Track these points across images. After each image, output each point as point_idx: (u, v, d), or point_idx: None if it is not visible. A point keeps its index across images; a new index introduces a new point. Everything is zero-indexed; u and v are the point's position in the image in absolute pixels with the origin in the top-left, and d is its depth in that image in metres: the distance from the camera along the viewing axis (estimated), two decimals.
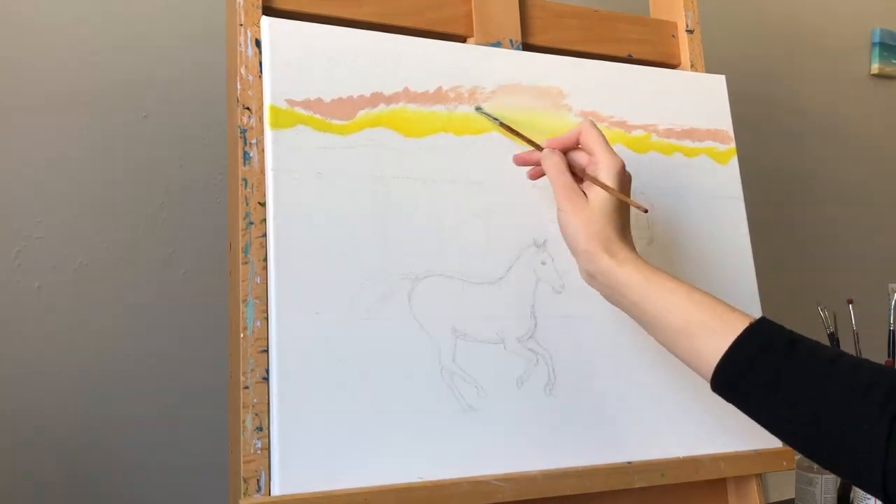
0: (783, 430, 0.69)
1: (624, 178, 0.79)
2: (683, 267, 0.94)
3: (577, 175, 0.81)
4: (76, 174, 0.98)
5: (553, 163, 0.80)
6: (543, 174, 0.82)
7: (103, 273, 0.99)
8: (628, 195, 0.80)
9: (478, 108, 0.87)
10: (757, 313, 0.96)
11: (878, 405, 0.62)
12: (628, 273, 0.75)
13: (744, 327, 0.69)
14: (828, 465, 0.67)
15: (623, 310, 0.78)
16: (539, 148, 0.83)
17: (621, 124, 0.94)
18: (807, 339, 0.68)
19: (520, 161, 0.85)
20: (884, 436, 0.61)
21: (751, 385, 0.68)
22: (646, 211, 0.77)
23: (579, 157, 0.81)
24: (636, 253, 0.78)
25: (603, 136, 0.80)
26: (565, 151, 0.82)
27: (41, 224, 0.96)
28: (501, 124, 0.86)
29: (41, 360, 0.95)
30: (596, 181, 0.78)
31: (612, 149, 0.79)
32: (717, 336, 0.70)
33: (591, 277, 0.78)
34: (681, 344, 0.73)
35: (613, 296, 0.77)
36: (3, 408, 0.93)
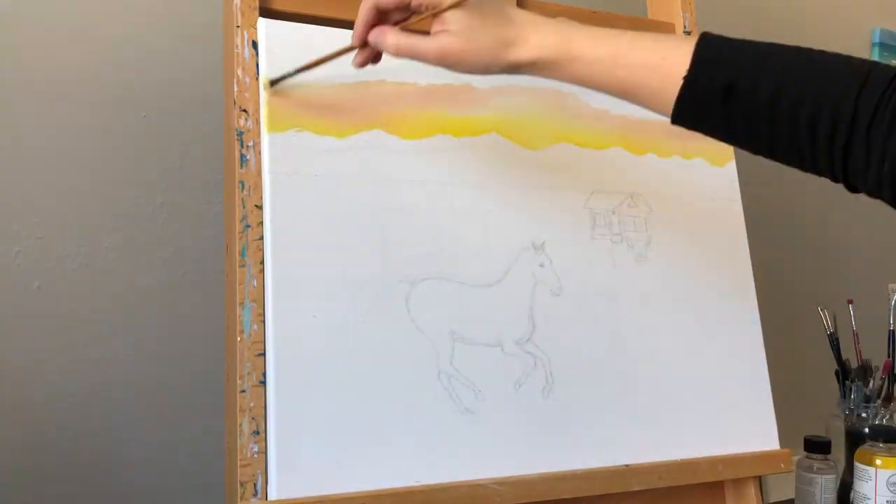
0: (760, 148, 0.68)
1: None
2: (682, 269, 0.93)
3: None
4: (76, 174, 0.98)
5: (380, 33, 0.71)
6: (373, 58, 0.75)
7: (103, 273, 0.98)
8: None
9: (273, 82, 0.78)
10: (756, 315, 0.97)
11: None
12: (536, 55, 0.69)
13: (682, 76, 0.66)
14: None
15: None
16: (353, 47, 0.74)
17: (620, 125, 0.94)
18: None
19: (360, 62, 0.75)
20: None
21: (711, 129, 0.68)
22: None
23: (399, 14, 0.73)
24: (536, 19, 0.70)
25: None
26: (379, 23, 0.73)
27: (41, 224, 0.96)
28: (300, 69, 0.77)
29: (41, 360, 0.95)
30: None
31: None
32: (658, 96, 0.69)
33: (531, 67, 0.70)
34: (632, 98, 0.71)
35: (552, 76, 0.70)
36: (2, 407, 0.93)
